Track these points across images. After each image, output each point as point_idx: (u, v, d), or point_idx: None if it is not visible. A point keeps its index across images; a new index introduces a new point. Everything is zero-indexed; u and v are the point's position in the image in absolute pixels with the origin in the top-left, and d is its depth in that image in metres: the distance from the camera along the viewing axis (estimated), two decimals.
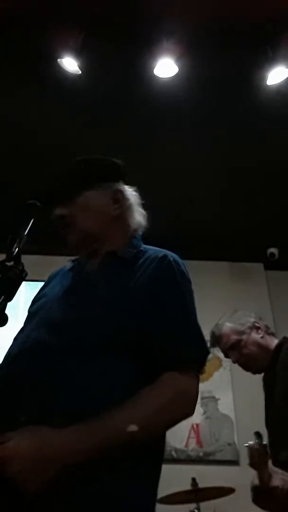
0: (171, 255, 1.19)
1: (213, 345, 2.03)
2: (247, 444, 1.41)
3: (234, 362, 2.00)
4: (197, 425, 3.76)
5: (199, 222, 4.14)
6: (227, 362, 3.95)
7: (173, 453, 3.66)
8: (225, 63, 2.84)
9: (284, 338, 1.92)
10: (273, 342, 1.94)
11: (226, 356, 2.02)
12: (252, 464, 1.41)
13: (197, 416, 3.80)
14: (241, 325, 1.98)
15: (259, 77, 2.87)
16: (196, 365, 1.06)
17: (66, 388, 0.96)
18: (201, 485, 2.95)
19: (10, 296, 0.96)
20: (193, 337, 1.08)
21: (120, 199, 1.30)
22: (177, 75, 2.82)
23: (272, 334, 2.00)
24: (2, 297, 0.94)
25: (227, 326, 1.99)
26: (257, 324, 1.99)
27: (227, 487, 2.78)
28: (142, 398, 0.97)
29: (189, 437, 3.72)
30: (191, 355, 1.05)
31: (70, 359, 0.99)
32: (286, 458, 1.60)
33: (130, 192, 1.33)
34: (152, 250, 1.24)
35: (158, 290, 1.10)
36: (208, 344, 1.82)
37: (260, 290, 4.42)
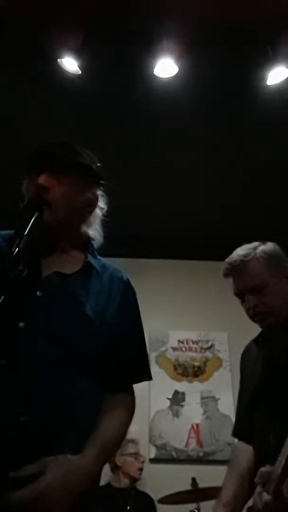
0: (127, 277, 1.29)
1: (227, 275, 1.60)
2: None
3: (247, 307, 1.55)
4: (197, 425, 3.76)
5: (199, 222, 4.14)
6: (227, 362, 3.96)
7: (173, 453, 3.66)
8: (225, 63, 2.84)
9: None
10: None
11: (239, 295, 1.58)
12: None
13: (197, 416, 3.80)
14: (276, 267, 1.54)
15: (259, 77, 2.87)
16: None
17: (58, 398, 1.04)
18: (201, 485, 2.95)
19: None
20: (146, 364, 1.29)
21: (93, 204, 1.28)
22: (177, 75, 2.82)
23: None
24: (2, 297, 0.93)
25: (259, 261, 1.55)
26: None
27: None
28: (113, 419, 1.13)
29: (189, 437, 3.72)
30: (142, 379, 1.26)
31: (64, 371, 1.07)
32: None
33: (102, 204, 1.31)
34: (110, 266, 1.29)
35: (127, 318, 1.22)
36: (222, 272, 1.64)
37: None
